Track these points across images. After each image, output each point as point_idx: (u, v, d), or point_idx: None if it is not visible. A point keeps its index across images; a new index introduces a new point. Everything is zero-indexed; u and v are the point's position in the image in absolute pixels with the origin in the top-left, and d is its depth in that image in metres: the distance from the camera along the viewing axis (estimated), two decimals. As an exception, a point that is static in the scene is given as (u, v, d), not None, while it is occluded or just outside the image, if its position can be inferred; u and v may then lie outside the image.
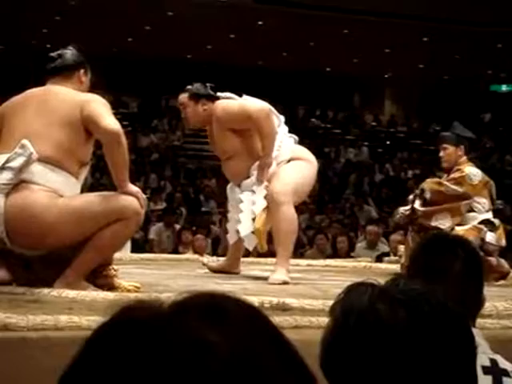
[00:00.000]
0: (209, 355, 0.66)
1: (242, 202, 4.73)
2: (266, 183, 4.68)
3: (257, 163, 4.69)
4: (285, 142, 4.81)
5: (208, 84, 4.88)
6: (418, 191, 5.45)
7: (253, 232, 4.70)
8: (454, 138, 5.45)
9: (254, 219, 4.67)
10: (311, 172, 4.83)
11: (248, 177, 4.74)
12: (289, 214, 4.62)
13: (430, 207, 5.29)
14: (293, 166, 4.74)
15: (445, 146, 5.44)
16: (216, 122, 4.75)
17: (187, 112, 4.85)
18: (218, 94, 4.84)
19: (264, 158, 4.68)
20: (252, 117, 4.61)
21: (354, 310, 1.12)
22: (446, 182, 5.33)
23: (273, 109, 4.82)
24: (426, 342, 1.09)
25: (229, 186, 5.00)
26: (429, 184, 5.41)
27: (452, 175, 5.37)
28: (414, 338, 1.09)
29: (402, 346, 1.09)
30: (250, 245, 4.84)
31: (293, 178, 4.67)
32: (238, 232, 4.77)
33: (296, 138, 4.94)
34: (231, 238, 4.95)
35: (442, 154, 5.46)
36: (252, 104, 4.70)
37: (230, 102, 4.77)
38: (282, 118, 4.91)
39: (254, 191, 4.70)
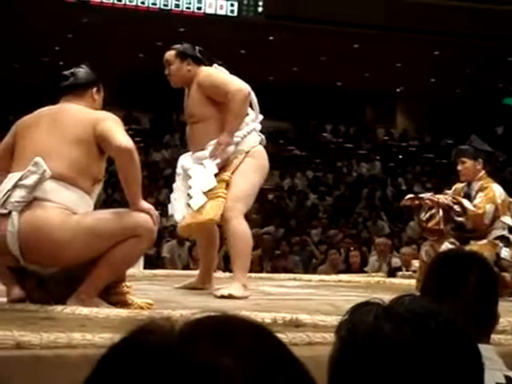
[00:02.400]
0: (222, 381, 0.65)
1: (190, 177, 4.68)
2: (218, 160, 4.62)
3: (216, 140, 4.65)
4: (252, 136, 4.76)
5: (198, 47, 4.89)
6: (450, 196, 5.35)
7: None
8: (472, 151, 5.42)
9: (204, 193, 4.60)
10: (262, 179, 4.81)
11: (203, 149, 4.68)
12: (239, 229, 4.59)
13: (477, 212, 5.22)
14: (246, 175, 4.66)
15: (463, 159, 5.42)
16: (196, 84, 4.73)
17: (171, 69, 4.83)
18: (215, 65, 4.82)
19: (224, 135, 4.64)
20: (229, 93, 4.60)
21: (359, 329, 1.12)
22: (480, 204, 5.26)
23: (255, 101, 4.78)
24: (431, 360, 1.08)
25: (182, 156, 4.91)
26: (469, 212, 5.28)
27: (481, 193, 5.31)
28: (420, 356, 1.09)
29: (408, 365, 1.08)
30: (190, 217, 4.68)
31: (245, 191, 4.64)
32: (188, 206, 4.65)
33: (264, 139, 4.87)
34: (178, 213, 4.73)
35: (460, 167, 5.43)
36: (235, 82, 4.68)
37: (216, 72, 4.77)
38: (261, 117, 4.87)
39: (203, 165, 4.65)
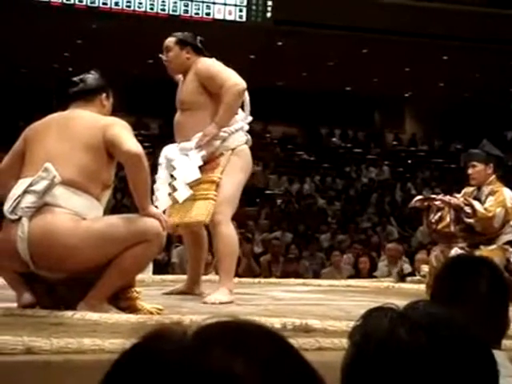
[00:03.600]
0: None
1: (174, 168, 4.64)
2: (203, 152, 4.60)
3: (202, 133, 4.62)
4: (238, 134, 4.73)
5: (199, 37, 4.88)
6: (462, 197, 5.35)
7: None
8: (483, 155, 5.41)
9: (188, 185, 4.58)
10: (246, 178, 4.79)
11: (189, 140, 4.65)
12: (226, 233, 4.58)
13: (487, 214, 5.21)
14: (233, 176, 4.63)
15: (474, 163, 5.41)
16: (192, 72, 4.71)
17: (170, 55, 4.82)
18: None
19: (212, 126, 4.60)
20: (224, 85, 4.57)
21: (373, 335, 1.11)
22: (491, 208, 5.25)
23: (247, 101, 4.76)
24: (446, 367, 1.08)
25: (166, 147, 4.86)
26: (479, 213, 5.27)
27: (491, 197, 5.30)
28: (435, 362, 1.08)
29: (423, 371, 1.08)
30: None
31: (232, 194, 4.62)
32: (174, 198, 4.62)
33: (250, 140, 4.83)
34: (161, 204, 4.64)
35: (470, 171, 5.42)
36: (232, 76, 4.64)
37: (216, 63, 4.74)
38: (250, 118, 4.85)
39: (188, 156, 4.62)
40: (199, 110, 4.67)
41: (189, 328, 0.71)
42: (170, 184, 4.67)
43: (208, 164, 4.65)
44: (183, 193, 4.60)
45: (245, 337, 0.69)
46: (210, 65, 4.73)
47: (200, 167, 4.61)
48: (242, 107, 4.79)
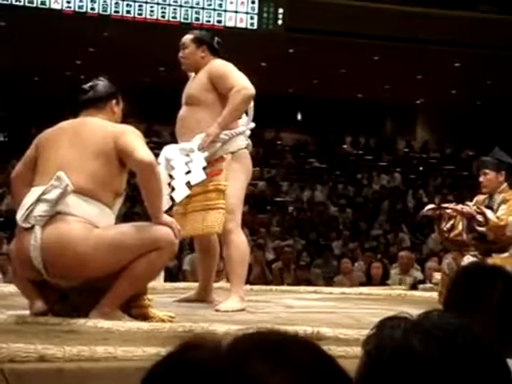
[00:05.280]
0: None
1: (173, 168, 4.63)
2: (206, 154, 4.58)
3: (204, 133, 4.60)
4: (239, 138, 4.72)
5: (217, 38, 4.89)
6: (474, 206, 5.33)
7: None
8: (495, 163, 5.39)
9: (189, 187, 4.57)
10: (248, 181, 4.81)
11: (189, 140, 4.64)
12: (237, 241, 4.59)
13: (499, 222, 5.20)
14: (237, 182, 4.64)
15: (486, 171, 5.39)
16: (205, 70, 4.72)
17: (185, 52, 4.83)
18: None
19: (214, 127, 4.57)
20: (234, 88, 4.58)
21: (387, 344, 1.11)
22: (503, 217, 5.23)
23: (251, 107, 4.77)
24: (459, 376, 1.08)
25: (166, 147, 4.83)
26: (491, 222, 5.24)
27: (504, 206, 5.28)
28: (448, 372, 1.08)
29: (436, 381, 1.08)
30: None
31: (238, 200, 4.63)
32: (171, 199, 4.61)
33: (251, 145, 4.83)
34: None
35: (482, 179, 5.40)
36: (243, 80, 4.63)
37: (229, 65, 4.74)
38: (253, 124, 4.85)
39: (190, 158, 4.60)
40: (205, 107, 4.66)
41: (224, 338, 0.70)
42: (168, 184, 4.66)
43: (209, 167, 4.63)
44: (181, 192, 4.58)
45: (281, 348, 0.68)
46: (223, 64, 4.74)
47: (204, 168, 4.60)
48: (246, 112, 4.79)
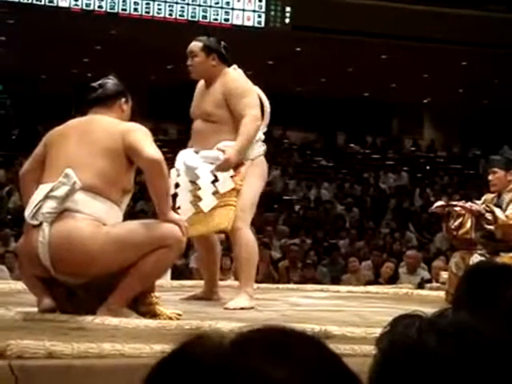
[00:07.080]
0: None
1: (198, 176, 4.64)
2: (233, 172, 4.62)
3: (225, 143, 4.61)
4: (257, 145, 4.75)
5: (223, 42, 4.86)
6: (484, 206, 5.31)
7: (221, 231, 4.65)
8: (504, 162, 5.40)
9: (216, 196, 4.60)
10: (263, 186, 4.84)
11: (210, 148, 4.65)
12: (246, 239, 4.61)
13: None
14: (252, 184, 4.67)
15: (494, 169, 5.39)
16: (220, 84, 4.71)
17: (195, 61, 4.78)
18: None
19: (234, 153, 4.55)
20: (245, 117, 4.60)
21: (401, 342, 1.10)
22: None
23: (267, 111, 4.79)
24: (474, 374, 1.08)
25: (182, 152, 4.83)
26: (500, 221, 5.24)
27: None
28: (463, 370, 1.08)
29: (451, 379, 1.07)
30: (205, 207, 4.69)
31: (251, 200, 4.66)
32: (196, 206, 4.63)
33: (265, 149, 4.85)
34: (185, 212, 4.61)
35: (491, 177, 5.40)
36: (253, 107, 4.65)
37: (243, 81, 4.74)
38: (265, 129, 4.88)
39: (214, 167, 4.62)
40: (223, 123, 4.69)
41: (226, 335, 0.71)
42: (190, 191, 4.68)
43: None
44: (208, 202, 4.63)
45: (284, 342, 0.69)
46: (237, 81, 4.73)
47: (231, 176, 4.64)
48: (263, 115, 4.80)
